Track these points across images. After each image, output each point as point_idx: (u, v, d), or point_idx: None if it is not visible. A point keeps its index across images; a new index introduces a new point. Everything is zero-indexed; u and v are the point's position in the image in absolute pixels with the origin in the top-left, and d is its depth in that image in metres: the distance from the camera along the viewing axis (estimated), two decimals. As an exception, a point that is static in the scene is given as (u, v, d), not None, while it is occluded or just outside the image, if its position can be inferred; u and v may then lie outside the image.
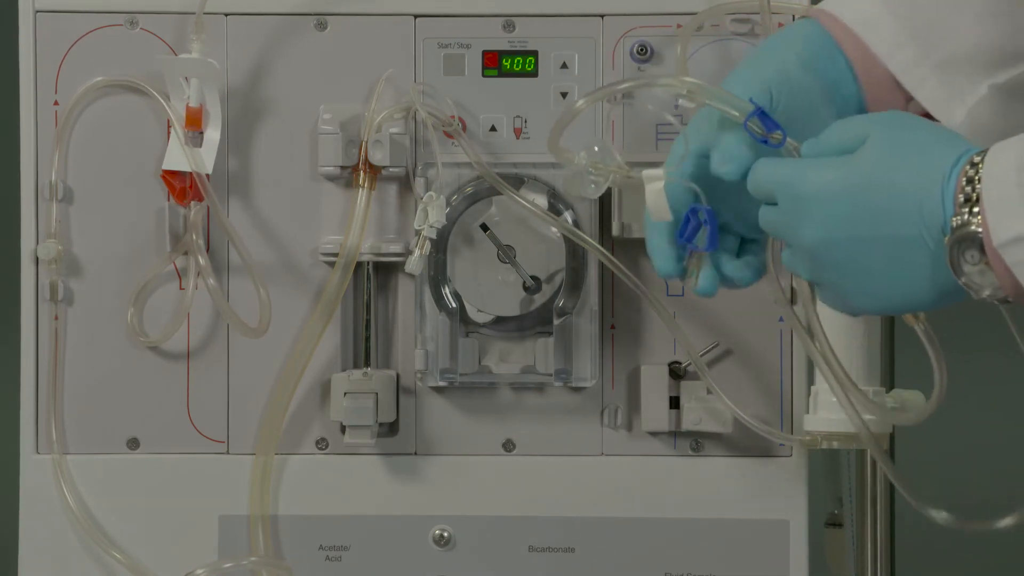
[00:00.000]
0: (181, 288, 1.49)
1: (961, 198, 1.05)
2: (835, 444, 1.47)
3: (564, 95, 1.49)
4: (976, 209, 1.04)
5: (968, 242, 1.04)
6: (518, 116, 1.49)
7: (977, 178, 1.04)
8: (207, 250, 1.48)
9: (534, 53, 1.49)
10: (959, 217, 1.04)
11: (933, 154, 1.08)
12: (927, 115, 1.24)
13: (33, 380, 1.50)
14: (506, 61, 1.49)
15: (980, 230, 1.03)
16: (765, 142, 1.16)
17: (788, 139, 1.16)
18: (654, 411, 1.47)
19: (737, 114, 1.17)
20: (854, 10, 1.23)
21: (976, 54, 1.21)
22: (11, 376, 1.52)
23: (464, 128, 1.49)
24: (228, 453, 1.50)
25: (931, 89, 1.22)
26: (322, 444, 1.50)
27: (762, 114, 1.16)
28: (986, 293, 1.05)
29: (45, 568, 1.50)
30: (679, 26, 1.48)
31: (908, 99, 1.25)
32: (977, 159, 1.05)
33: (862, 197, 1.09)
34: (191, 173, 1.45)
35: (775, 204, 1.15)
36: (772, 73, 1.21)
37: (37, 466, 1.50)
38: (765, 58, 1.23)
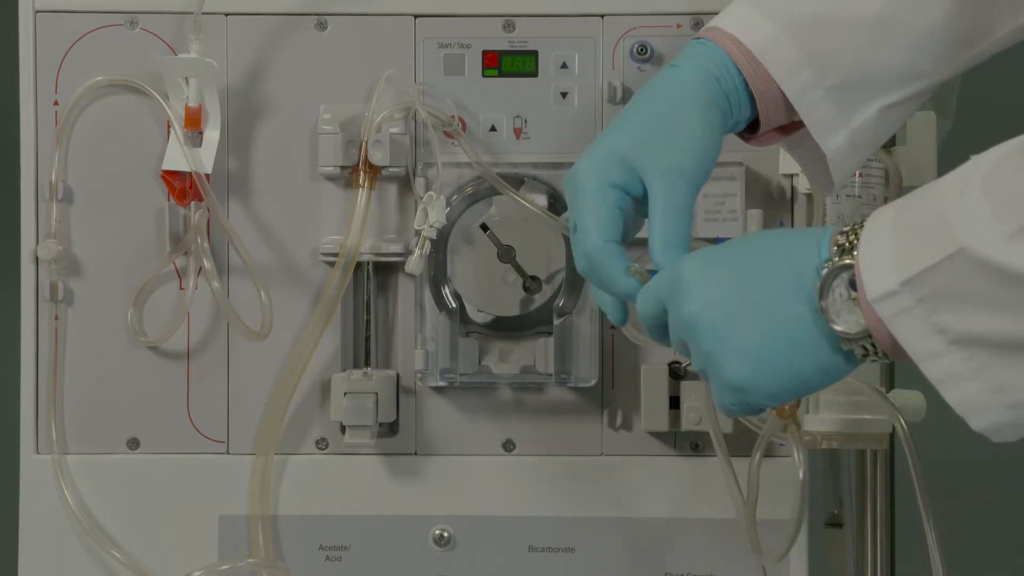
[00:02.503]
0: (181, 288, 1.50)
1: (835, 247, 1.06)
2: (835, 444, 1.47)
3: (564, 95, 1.49)
4: (850, 256, 1.05)
5: (840, 276, 1.05)
6: (518, 116, 1.49)
7: (849, 242, 1.06)
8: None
9: (534, 53, 1.49)
10: (832, 261, 1.06)
11: (801, 232, 1.10)
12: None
13: (33, 380, 1.50)
14: (506, 61, 1.49)
15: (851, 262, 1.05)
16: None
17: None
18: (654, 411, 1.47)
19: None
20: (751, 32, 1.23)
21: (870, 76, 1.23)
22: (11, 376, 1.52)
23: (464, 128, 1.49)
24: (228, 453, 1.50)
25: (822, 112, 1.23)
26: (322, 444, 1.50)
27: None
28: (840, 328, 1.05)
29: (45, 568, 1.50)
30: (678, 26, 1.48)
31: (790, 118, 1.26)
32: (847, 228, 1.07)
33: (735, 261, 1.10)
34: (191, 173, 1.45)
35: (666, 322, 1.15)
36: (705, 139, 1.19)
37: (37, 466, 1.50)
38: (686, 112, 1.21)
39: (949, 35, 1.22)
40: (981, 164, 1.02)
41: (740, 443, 1.48)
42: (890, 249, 1.03)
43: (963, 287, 0.99)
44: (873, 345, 1.05)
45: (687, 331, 1.11)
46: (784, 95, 1.23)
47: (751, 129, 1.26)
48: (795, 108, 1.23)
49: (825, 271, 1.06)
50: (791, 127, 1.27)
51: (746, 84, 1.23)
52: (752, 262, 1.10)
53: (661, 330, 1.16)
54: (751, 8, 1.24)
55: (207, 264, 1.47)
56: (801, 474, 1.34)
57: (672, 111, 1.21)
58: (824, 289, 1.06)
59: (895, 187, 1.45)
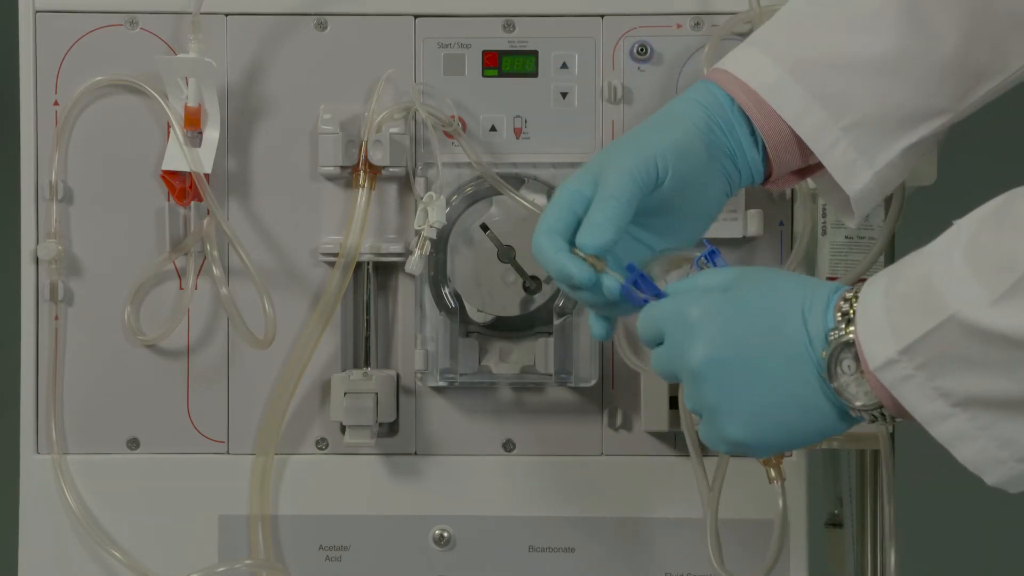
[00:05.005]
0: (181, 288, 1.50)
1: (839, 315, 1.08)
2: (835, 444, 1.47)
3: (564, 95, 1.49)
4: (852, 328, 1.07)
5: (845, 350, 1.07)
6: (518, 116, 1.49)
7: (852, 309, 1.08)
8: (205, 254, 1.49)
9: (534, 53, 1.49)
10: (837, 331, 1.08)
11: (811, 284, 1.12)
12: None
13: (33, 380, 1.50)
14: (506, 61, 1.49)
15: (852, 338, 1.07)
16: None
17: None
18: (654, 411, 1.47)
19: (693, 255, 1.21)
20: (759, 76, 1.24)
21: (887, 115, 1.24)
22: (11, 376, 1.52)
23: (464, 128, 1.49)
24: (228, 453, 1.50)
25: (841, 153, 1.23)
26: (322, 444, 1.50)
27: (712, 254, 1.19)
28: (859, 403, 1.08)
29: (45, 568, 1.50)
30: (678, 26, 1.48)
31: (806, 161, 1.27)
32: (849, 294, 1.09)
33: (748, 316, 1.11)
34: (191, 173, 1.45)
35: (662, 344, 1.16)
36: (665, 145, 1.22)
37: (37, 466, 1.50)
38: (661, 128, 1.24)
39: (962, 69, 1.23)
40: (963, 230, 1.04)
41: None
42: (885, 319, 1.05)
43: (958, 352, 1.02)
44: (883, 413, 1.08)
45: (691, 378, 1.13)
46: (798, 138, 1.23)
47: (765, 175, 1.27)
48: (812, 150, 1.23)
49: (830, 347, 1.08)
50: (807, 170, 1.28)
51: (750, 126, 1.24)
52: (763, 322, 1.11)
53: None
54: (757, 52, 1.25)
55: (216, 271, 1.47)
56: (780, 503, 1.40)
57: (641, 129, 1.24)
58: (832, 368, 1.08)
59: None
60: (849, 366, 1.07)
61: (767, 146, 1.24)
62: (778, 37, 1.27)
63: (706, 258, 1.18)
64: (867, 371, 1.06)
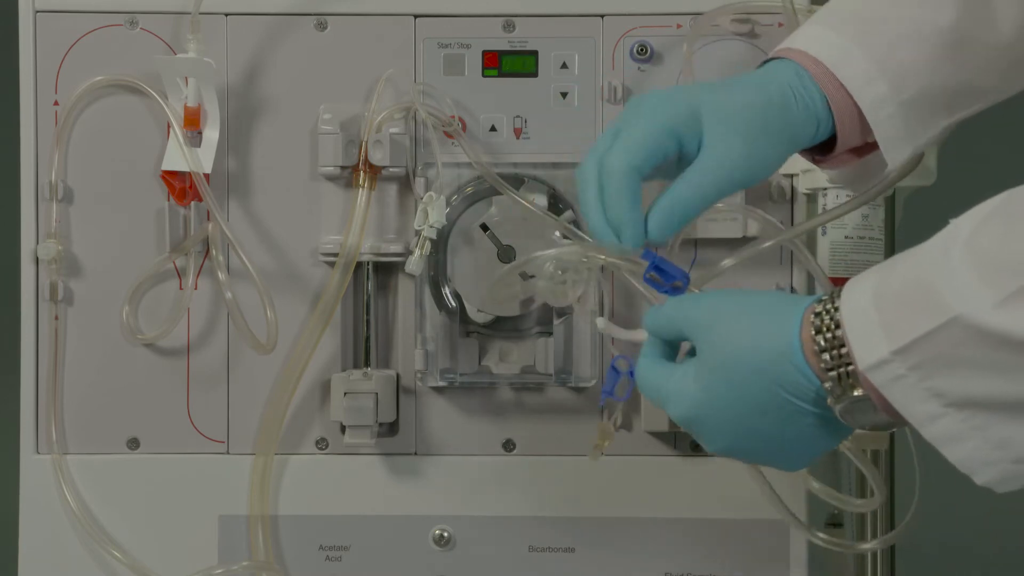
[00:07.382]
0: (181, 288, 1.50)
1: (822, 366, 1.07)
2: (835, 444, 1.47)
3: (564, 95, 1.49)
4: (848, 368, 1.06)
5: (860, 405, 1.07)
6: (518, 116, 1.49)
7: (831, 320, 1.07)
8: (206, 253, 1.49)
9: (534, 53, 1.49)
10: (829, 382, 1.07)
11: (774, 319, 1.10)
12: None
13: (33, 380, 1.50)
14: (506, 61, 1.49)
15: (860, 393, 1.06)
16: (669, 291, 1.17)
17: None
18: (654, 411, 1.47)
19: (634, 267, 1.19)
20: (826, 46, 1.23)
21: (941, 92, 1.23)
22: (11, 376, 1.52)
23: (464, 128, 1.49)
24: (228, 453, 1.50)
25: (893, 127, 1.23)
26: (322, 444, 1.50)
27: (657, 268, 1.17)
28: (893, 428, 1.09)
29: (45, 568, 1.50)
30: (679, 26, 1.48)
31: (865, 140, 1.26)
32: (819, 307, 1.08)
33: (731, 407, 1.11)
34: (191, 173, 1.45)
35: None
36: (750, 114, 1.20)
37: (37, 466, 1.50)
38: (744, 88, 1.22)
39: (1017, 55, 1.22)
40: (962, 229, 1.03)
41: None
42: (876, 321, 1.04)
43: (958, 353, 1.01)
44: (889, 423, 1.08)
45: (701, 442, 1.16)
46: (859, 110, 1.22)
47: (824, 151, 1.26)
48: (868, 121, 1.22)
49: (838, 401, 1.07)
50: (865, 148, 1.27)
51: (825, 100, 1.23)
52: (747, 408, 1.11)
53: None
54: (820, 27, 1.25)
55: (221, 276, 1.47)
56: None
57: (759, 114, 1.22)
58: (849, 419, 1.08)
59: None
60: (865, 405, 1.07)
61: (835, 119, 1.23)
62: (841, 10, 1.26)
63: (654, 271, 1.17)
64: (859, 373, 1.06)
